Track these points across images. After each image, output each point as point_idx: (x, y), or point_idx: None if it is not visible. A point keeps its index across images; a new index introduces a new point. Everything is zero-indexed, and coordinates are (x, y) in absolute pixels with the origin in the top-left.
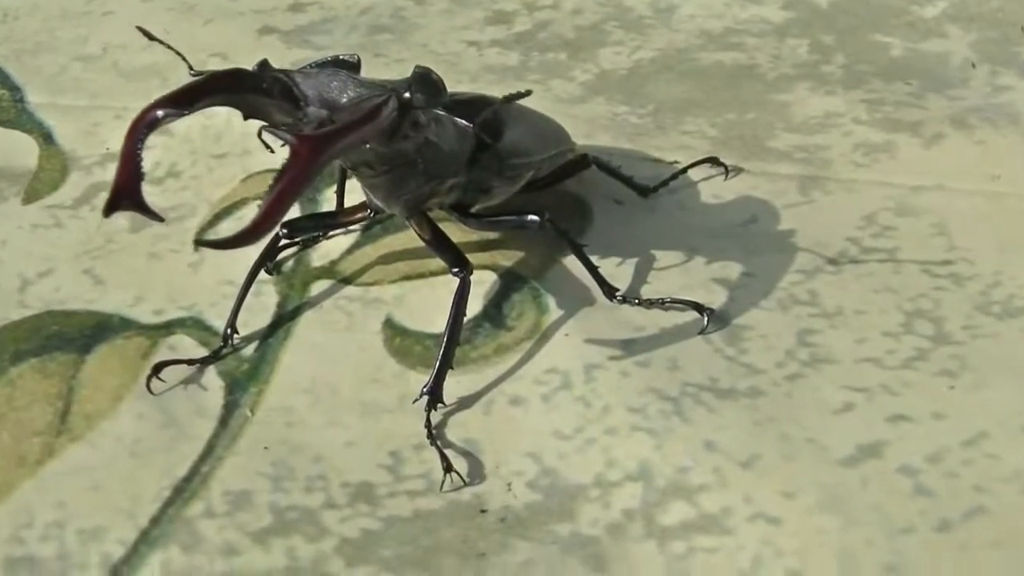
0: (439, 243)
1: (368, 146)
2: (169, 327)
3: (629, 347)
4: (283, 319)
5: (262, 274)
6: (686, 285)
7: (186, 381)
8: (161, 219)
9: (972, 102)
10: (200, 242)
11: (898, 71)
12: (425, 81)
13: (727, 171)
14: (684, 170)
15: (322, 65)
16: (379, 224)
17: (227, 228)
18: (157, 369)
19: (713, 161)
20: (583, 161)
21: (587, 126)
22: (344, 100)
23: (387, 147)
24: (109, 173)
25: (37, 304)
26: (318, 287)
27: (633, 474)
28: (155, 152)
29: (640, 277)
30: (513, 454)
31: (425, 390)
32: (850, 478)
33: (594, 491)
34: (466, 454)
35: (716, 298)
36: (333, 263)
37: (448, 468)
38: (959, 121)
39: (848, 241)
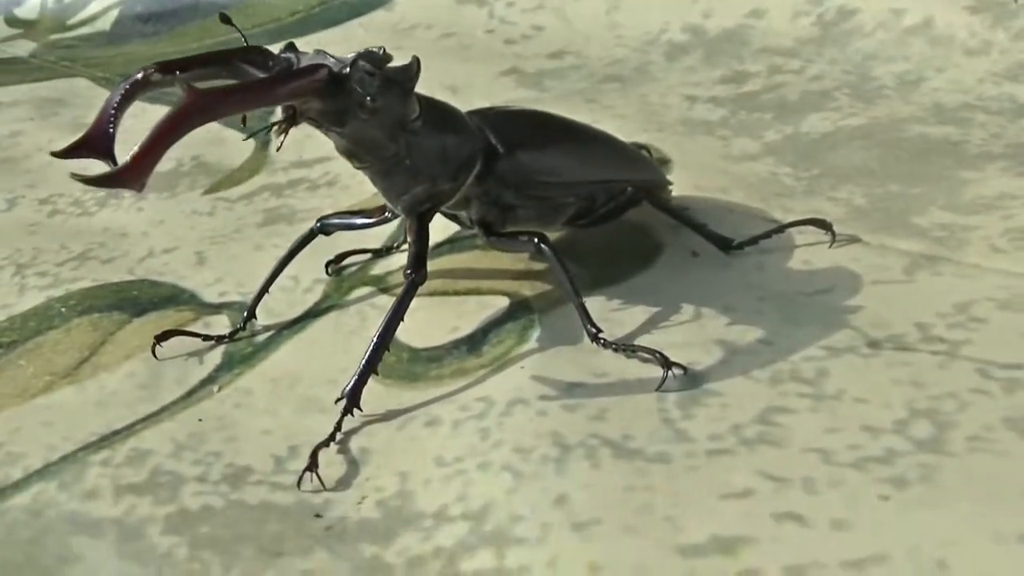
0: (415, 244)
1: (332, 130)
2: (220, 308)
3: (571, 390)
4: (309, 315)
5: (320, 273)
6: (687, 342)
7: (193, 354)
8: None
9: None
10: (74, 175)
11: None
12: (399, 69)
13: (833, 238)
14: (780, 229)
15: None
16: (450, 243)
17: None
18: (163, 337)
19: (819, 224)
20: (635, 197)
21: (730, 181)
22: None
23: (344, 129)
24: (287, 176)
25: (140, 272)
26: (359, 292)
27: (471, 513)
28: (329, 163)
29: (648, 326)
30: (389, 471)
31: (344, 391)
32: (676, 567)
33: (428, 521)
34: (352, 461)
35: (708, 359)
36: (388, 273)
37: (310, 467)
38: None
39: (915, 327)
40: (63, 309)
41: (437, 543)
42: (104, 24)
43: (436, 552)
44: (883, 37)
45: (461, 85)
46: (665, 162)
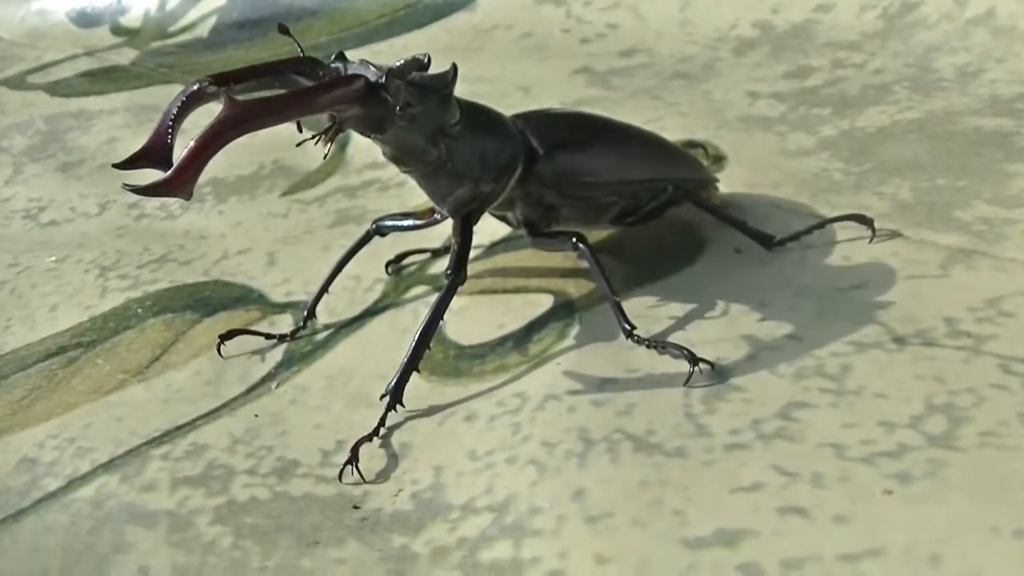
0: (457, 246)
1: (374, 137)
2: (285, 307)
3: (602, 385)
4: (368, 313)
5: (381, 272)
6: (720, 338)
7: (256, 352)
8: (167, 172)
9: None
10: (126, 186)
11: None
12: (435, 76)
13: (873, 233)
14: (821, 225)
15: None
16: (504, 242)
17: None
18: (227, 336)
19: (860, 219)
20: (678, 195)
21: (782, 177)
22: None
23: (385, 135)
24: (360, 177)
25: (215, 273)
26: (416, 291)
27: (495, 505)
28: None
29: (683, 322)
30: (426, 464)
31: (388, 388)
32: (678, 560)
33: (455, 513)
34: (392, 455)
35: (736, 354)
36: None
37: (351, 461)
38: None
39: (943, 321)
40: (140, 310)
41: (461, 534)
42: (202, 31)
43: (459, 543)
44: (946, 28)
45: (533, 85)
46: (720, 159)
